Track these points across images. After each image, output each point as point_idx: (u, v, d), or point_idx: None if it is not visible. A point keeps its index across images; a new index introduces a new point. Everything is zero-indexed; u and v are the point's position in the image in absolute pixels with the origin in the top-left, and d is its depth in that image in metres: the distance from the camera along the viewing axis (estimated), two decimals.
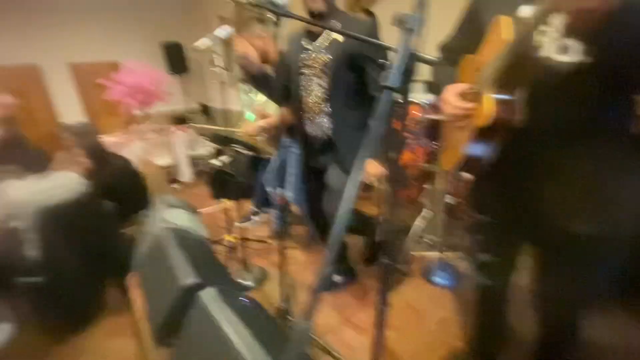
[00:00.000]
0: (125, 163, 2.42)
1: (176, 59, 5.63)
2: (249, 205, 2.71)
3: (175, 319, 1.11)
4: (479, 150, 0.79)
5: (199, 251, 1.57)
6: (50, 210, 1.64)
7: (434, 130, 1.86)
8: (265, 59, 1.60)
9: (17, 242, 1.73)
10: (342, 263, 1.80)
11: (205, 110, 6.28)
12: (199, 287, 1.10)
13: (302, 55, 1.39)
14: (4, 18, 4.65)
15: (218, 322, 0.93)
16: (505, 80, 0.66)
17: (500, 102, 0.67)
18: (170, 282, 1.20)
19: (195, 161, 4.54)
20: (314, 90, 1.38)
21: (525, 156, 0.77)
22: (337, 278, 1.80)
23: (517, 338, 1.21)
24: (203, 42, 1.50)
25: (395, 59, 0.53)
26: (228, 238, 2.04)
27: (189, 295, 1.11)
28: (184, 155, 4.25)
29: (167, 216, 1.74)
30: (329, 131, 1.42)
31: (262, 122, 2.05)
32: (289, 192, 1.94)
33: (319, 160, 1.50)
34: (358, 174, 0.49)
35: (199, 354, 0.99)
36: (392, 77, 0.52)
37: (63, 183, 1.76)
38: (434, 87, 0.98)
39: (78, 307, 1.78)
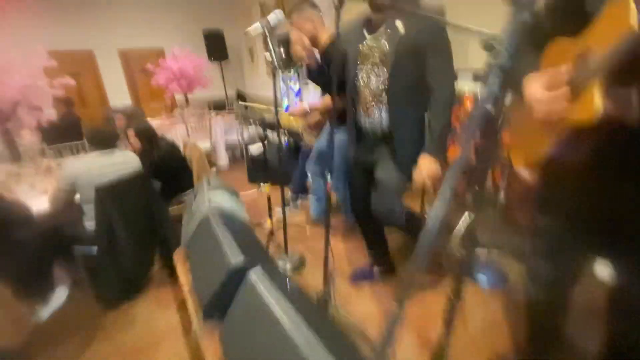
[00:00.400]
0: (171, 145, 2.52)
1: (216, 46, 5.75)
2: (286, 191, 2.76)
3: (223, 296, 1.15)
4: (569, 150, 0.71)
5: (243, 233, 1.61)
6: (109, 186, 1.74)
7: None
8: (314, 44, 1.58)
9: (77, 214, 1.87)
10: (383, 255, 1.78)
11: (242, 97, 6.41)
12: (248, 267, 1.12)
13: (360, 46, 1.33)
14: (62, 6, 4.96)
15: (267, 301, 0.95)
16: (625, 72, 0.57)
17: (614, 98, 0.58)
18: (220, 261, 1.24)
19: (231, 146, 4.66)
20: (372, 81, 1.33)
21: (622, 159, 0.68)
22: (376, 269, 1.78)
23: (573, 351, 1.14)
24: (255, 28, 1.50)
25: (502, 38, 0.48)
26: (268, 222, 2.07)
27: (238, 274, 1.14)
28: (221, 140, 4.36)
29: (213, 197, 1.80)
30: (385, 124, 1.37)
31: (307, 105, 2.04)
32: (331, 180, 1.93)
33: (371, 153, 1.44)
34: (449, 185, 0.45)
35: (247, 330, 1.02)
36: (503, 56, 0.47)
37: (123, 160, 1.86)
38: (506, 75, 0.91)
39: (128, 277, 1.89)
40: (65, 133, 3.33)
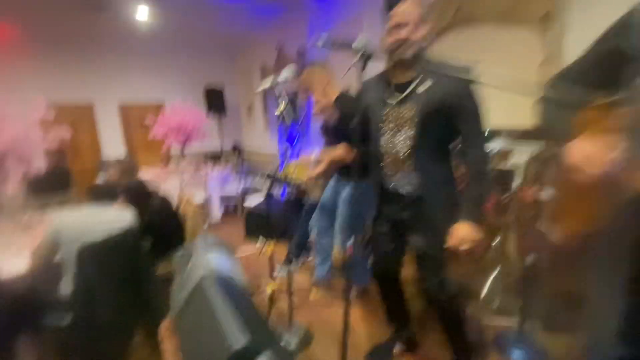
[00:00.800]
0: (164, 201, 2.39)
1: (216, 102, 5.92)
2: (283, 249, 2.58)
3: None
4: (621, 220, 0.64)
5: (243, 304, 1.43)
6: (94, 245, 1.57)
7: (505, 179, 1.72)
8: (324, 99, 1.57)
9: (56, 276, 1.66)
10: (405, 327, 1.58)
11: (238, 152, 6.45)
12: (253, 352, 0.95)
13: (383, 108, 1.28)
14: (64, 57, 5.10)
15: None
16: None
17: None
18: (217, 341, 1.05)
19: (225, 199, 4.54)
20: (397, 143, 1.26)
21: None
22: (397, 348, 1.57)
23: None
24: (266, 82, 1.50)
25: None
26: (269, 287, 1.88)
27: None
28: (216, 193, 4.25)
29: (209, 259, 1.63)
30: (412, 187, 1.28)
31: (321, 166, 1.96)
32: (338, 236, 1.80)
33: (400, 216, 1.33)
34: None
35: None
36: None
37: (115, 217, 1.71)
38: (542, 131, 0.86)
39: (103, 353, 1.62)
40: (54, 184, 3.19)
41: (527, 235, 1.63)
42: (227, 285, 1.45)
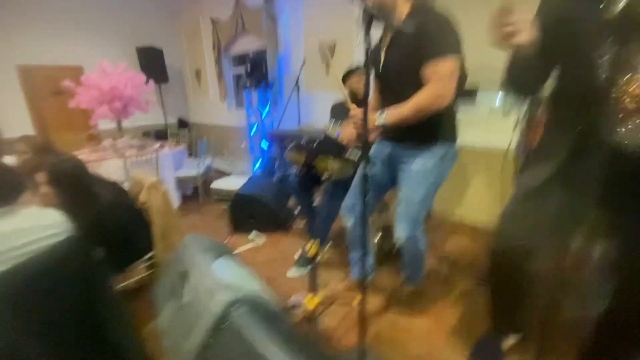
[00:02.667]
0: (116, 188, 1.68)
1: (154, 66, 4.84)
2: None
3: None
4: None
5: (292, 335, 0.92)
6: (4, 279, 0.89)
7: None
8: None
9: None
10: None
11: (185, 126, 5.49)
12: None
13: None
14: None
15: None
16: None
17: None
18: None
19: (183, 183, 3.75)
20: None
21: None
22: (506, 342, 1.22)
23: None
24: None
25: None
26: (310, 301, 1.34)
27: None
28: (171, 177, 3.45)
29: (217, 272, 1.06)
30: None
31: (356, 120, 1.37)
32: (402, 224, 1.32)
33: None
34: None
35: None
36: None
37: (32, 226, 1.01)
38: None
39: None
40: None
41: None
42: (263, 311, 0.92)
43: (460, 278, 1.90)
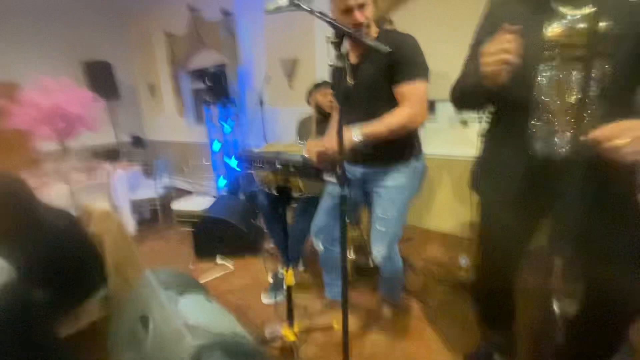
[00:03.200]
0: (63, 215, 1.49)
1: (103, 81, 4.52)
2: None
3: None
4: None
5: None
6: None
7: None
8: None
9: None
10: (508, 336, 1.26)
11: (139, 144, 5.15)
12: None
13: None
14: None
15: None
16: None
17: None
18: None
19: (140, 207, 3.48)
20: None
21: None
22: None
23: None
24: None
25: None
26: (287, 334, 1.24)
27: None
28: (126, 200, 3.19)
29: (183, 312, 0.95)
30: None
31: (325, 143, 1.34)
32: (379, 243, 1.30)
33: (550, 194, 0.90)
34: None
35: None
36: None
37: None
38: None
39: None
40: None
41: None
42: (239, 353, 0.84)
43: (437, 289, 1.92)
